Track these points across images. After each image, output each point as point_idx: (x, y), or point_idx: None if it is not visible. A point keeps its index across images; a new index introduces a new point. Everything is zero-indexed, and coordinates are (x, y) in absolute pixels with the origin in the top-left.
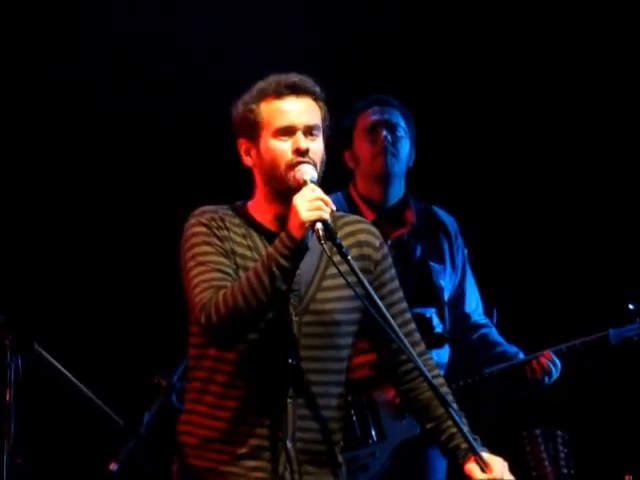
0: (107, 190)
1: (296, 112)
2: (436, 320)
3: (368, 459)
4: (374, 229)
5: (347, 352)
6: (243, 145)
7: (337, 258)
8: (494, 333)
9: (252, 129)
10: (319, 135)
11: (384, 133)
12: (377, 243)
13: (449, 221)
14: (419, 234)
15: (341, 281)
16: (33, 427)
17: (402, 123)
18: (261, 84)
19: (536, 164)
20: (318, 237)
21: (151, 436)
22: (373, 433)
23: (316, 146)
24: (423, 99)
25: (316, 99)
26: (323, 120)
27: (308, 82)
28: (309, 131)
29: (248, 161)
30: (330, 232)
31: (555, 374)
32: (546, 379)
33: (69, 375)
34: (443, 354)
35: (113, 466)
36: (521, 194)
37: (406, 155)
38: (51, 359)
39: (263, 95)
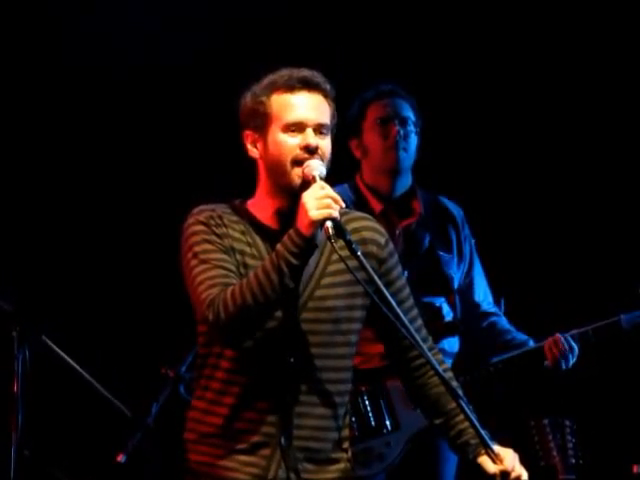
0: (115, 179)
1: (307, 108)
2: (446, 309)
3: (383, 449)
4: (379, 226)
5: (348, 350)
6: (249, 137)
7: (344, 253)
8: (503, 321)
9: (261, 121)
10: (328, 134)
11: (396, 128)
12: (382, 241)
13: (456, 211)
14: (427, 224)
15: (341, 278)
16: (40, 419)
17: (412, 116)
18: (272, 76)
19: (543, 151)
20: (328, 235)
21: (159, 427)
22: (387, 423)
23: (325, 144)
24: (428, 88)
25: (326, 96)
26: (332, 119)
27: (320, 78)
28: (319, 129)
29: (254, 153)
30: (340, 230)
31: (572, 358)
32: (563, 364)
33: (76, 366)
34: (454, 343)
35: (121, 457)
36: (528, 181)
37: (415, 148)
38: (58, 350)
39: (274, 87)
